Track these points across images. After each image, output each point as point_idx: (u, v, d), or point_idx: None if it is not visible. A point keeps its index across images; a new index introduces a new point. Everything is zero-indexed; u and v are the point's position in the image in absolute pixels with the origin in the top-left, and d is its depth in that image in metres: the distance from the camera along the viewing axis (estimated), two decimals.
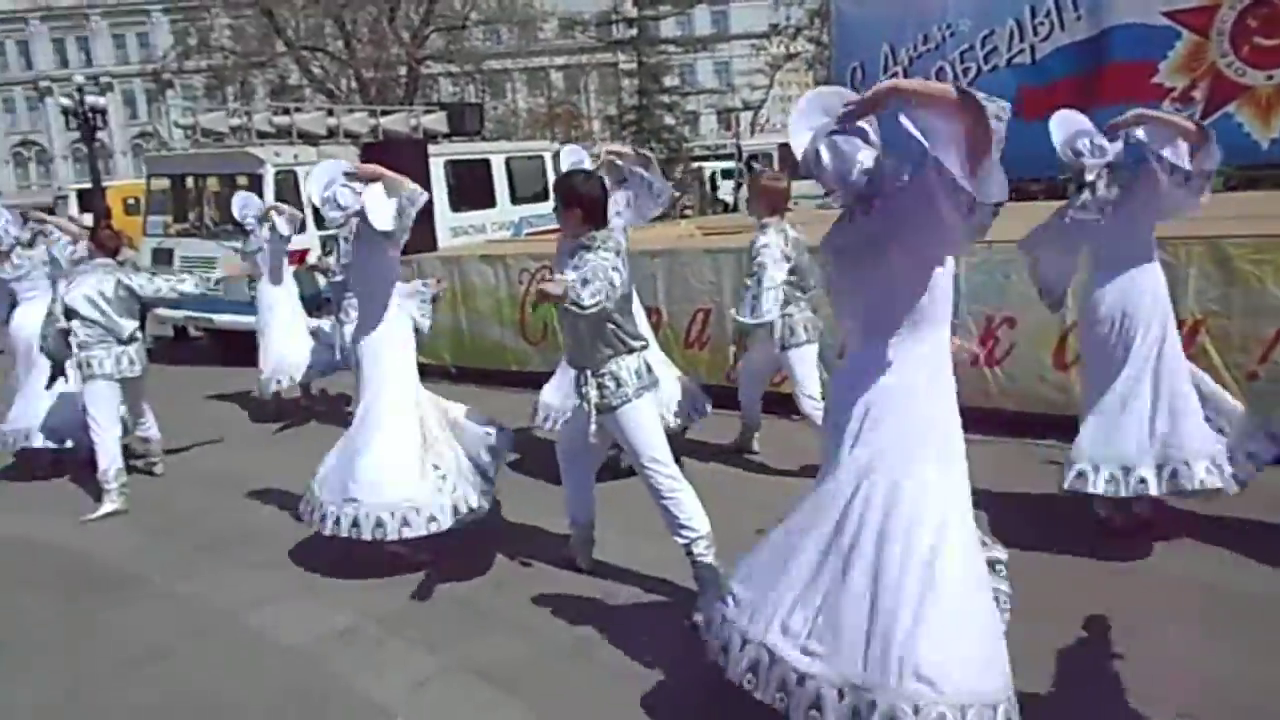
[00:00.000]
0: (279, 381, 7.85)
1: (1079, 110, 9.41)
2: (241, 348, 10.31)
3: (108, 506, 5.80)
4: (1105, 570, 4.08)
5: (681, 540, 3.89)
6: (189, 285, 6.37)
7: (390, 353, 4.65)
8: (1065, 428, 5.30)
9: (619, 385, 3.81)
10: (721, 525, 4.00)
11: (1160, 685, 3.16)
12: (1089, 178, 4.36)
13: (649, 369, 3.95)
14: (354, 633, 3.99)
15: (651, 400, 3.93)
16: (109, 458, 5.87)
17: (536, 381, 7.55)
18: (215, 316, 10.47)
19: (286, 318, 7.96)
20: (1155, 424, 4.17)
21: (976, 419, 5.80)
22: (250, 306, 8.61)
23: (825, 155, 2.75)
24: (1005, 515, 4.43)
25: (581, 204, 3.80)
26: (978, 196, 2.37)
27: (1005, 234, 6.01)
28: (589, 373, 3.84)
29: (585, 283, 3.51)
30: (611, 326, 3.77)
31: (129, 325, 6.01)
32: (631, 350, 3.86)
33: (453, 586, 4.36)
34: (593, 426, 3.85)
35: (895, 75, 10.66)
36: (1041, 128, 9.68)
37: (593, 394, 3.82)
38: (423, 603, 4.22)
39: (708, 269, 7.24)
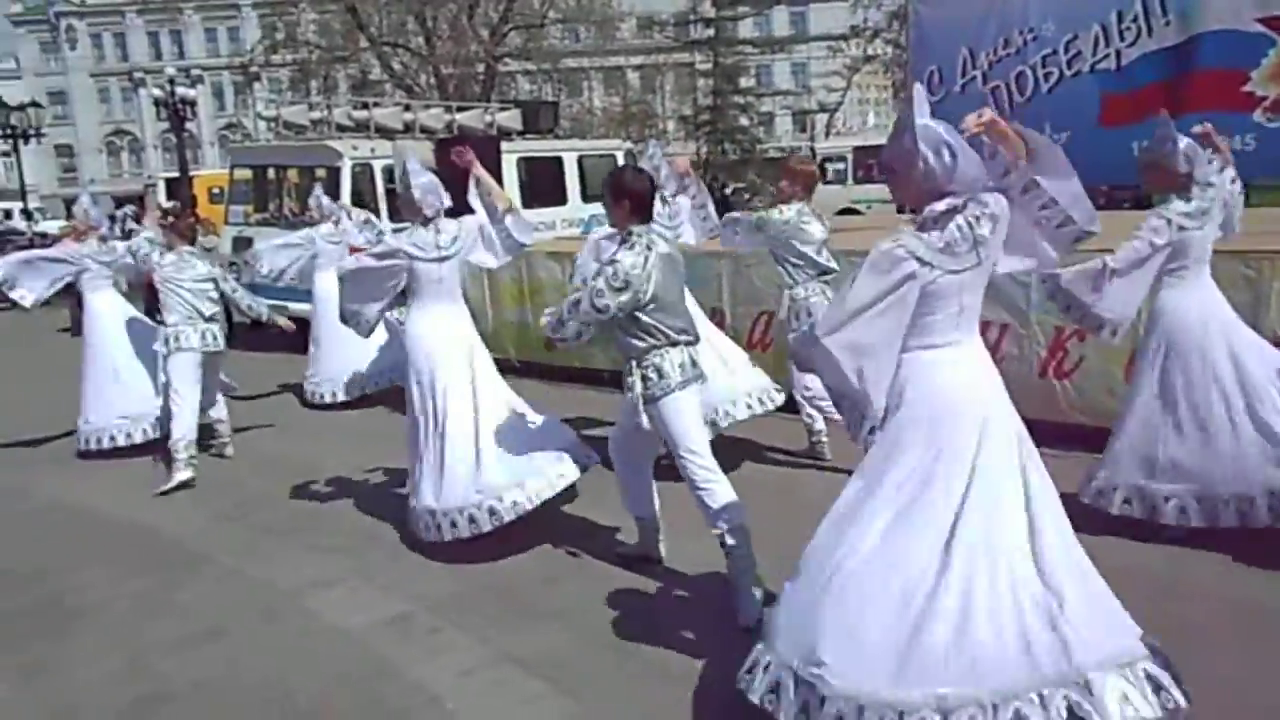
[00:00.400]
0: (329, 394, 8.08)
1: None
2: None
3: (178, 477, 6.04)
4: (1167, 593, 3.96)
5: (716, 531, 3.91)
6: (260, 309, 6.86)
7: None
8: None
9: (661, 376, 3.89)
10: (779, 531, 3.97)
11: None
12: (1201, 182, 4.23)
13: (694, 363, 3.99)
14: (407, 619, 4.05)
15: (694, 392, 3.99)
16: (184, 427, 6.17)
17: (597, 379, 7.64)
18: (292, 305, 10.71)
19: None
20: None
21: (1045, 432, 5.71)
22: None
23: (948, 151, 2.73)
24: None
25: (630, 197, 3.91)
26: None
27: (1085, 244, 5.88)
28: (634, 363, 3.94)
29: (561, 322, 3.90)
30: (648, 320, 3.86)
31: (211, 306, 6.41)
32: (675, 343, 3.94)
33: (505, 577, 4.41)
34: (641, 417, 3.93)
35: (973, 79, 10.50)
36: (1122, 134, 9.46)
37: (637, 385, 3.93)
38: (475, 593, 4.27)
39: (772, 271, 7.18)
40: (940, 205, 2.74)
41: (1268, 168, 8.14)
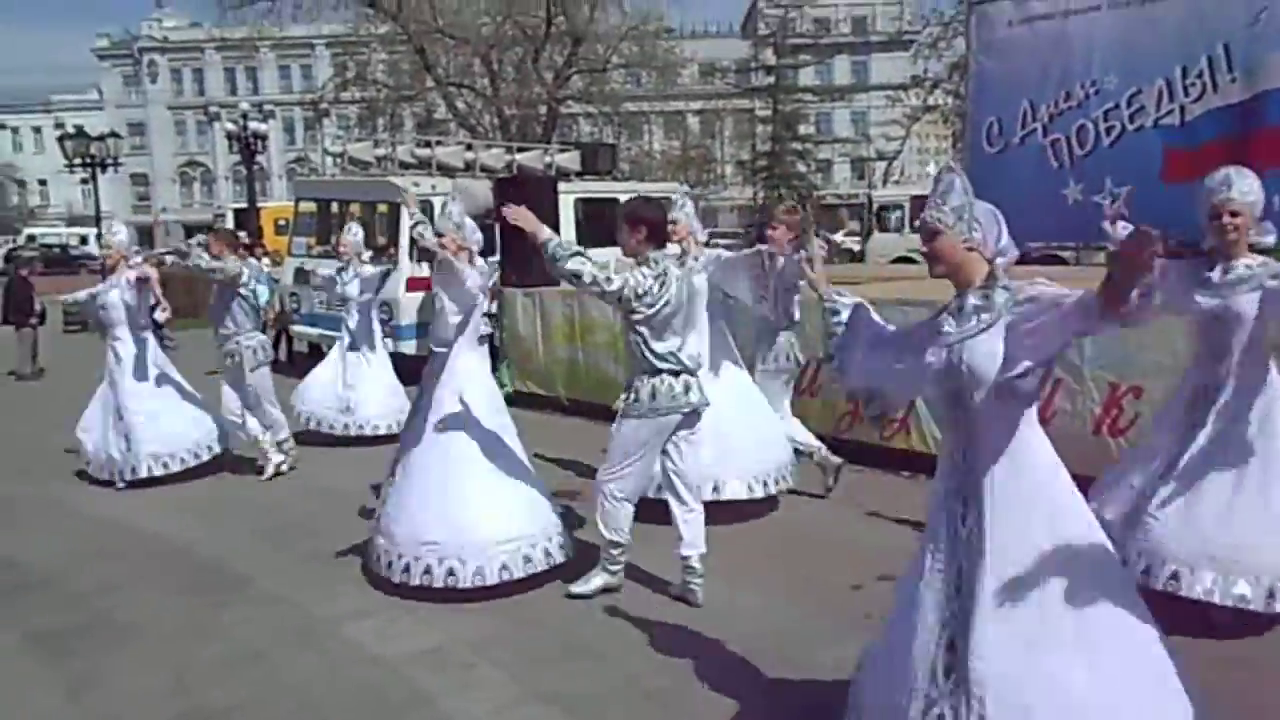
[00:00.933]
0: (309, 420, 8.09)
1: None
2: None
3: (275, 459, 7.03)
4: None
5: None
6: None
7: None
8: None
9: (636, 399, 4.31)
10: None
11: None
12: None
13: (686, 391, 4.33)
14: (444, 652, 4.07)
15: (653, 427, 4.34)
16: (284, 429, 7.15)
17: None
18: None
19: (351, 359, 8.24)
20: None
21: None
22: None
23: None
24: None
25: (645, 223, 4.26)
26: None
27: None
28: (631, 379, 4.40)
29: (601, 268, 4.11)
30: (638, 341, 4.26)
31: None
32: (658, 372, 4.27)
33: (542, 614, 4.42)
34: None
35: (1033, 131, 10.44)
36: (1183, 191, 9.34)
37: (622, 397, 4.43)
38: (512, 629, 4.28)
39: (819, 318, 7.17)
40: None
41: None
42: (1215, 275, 3.93)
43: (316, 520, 5.99)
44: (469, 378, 4.83)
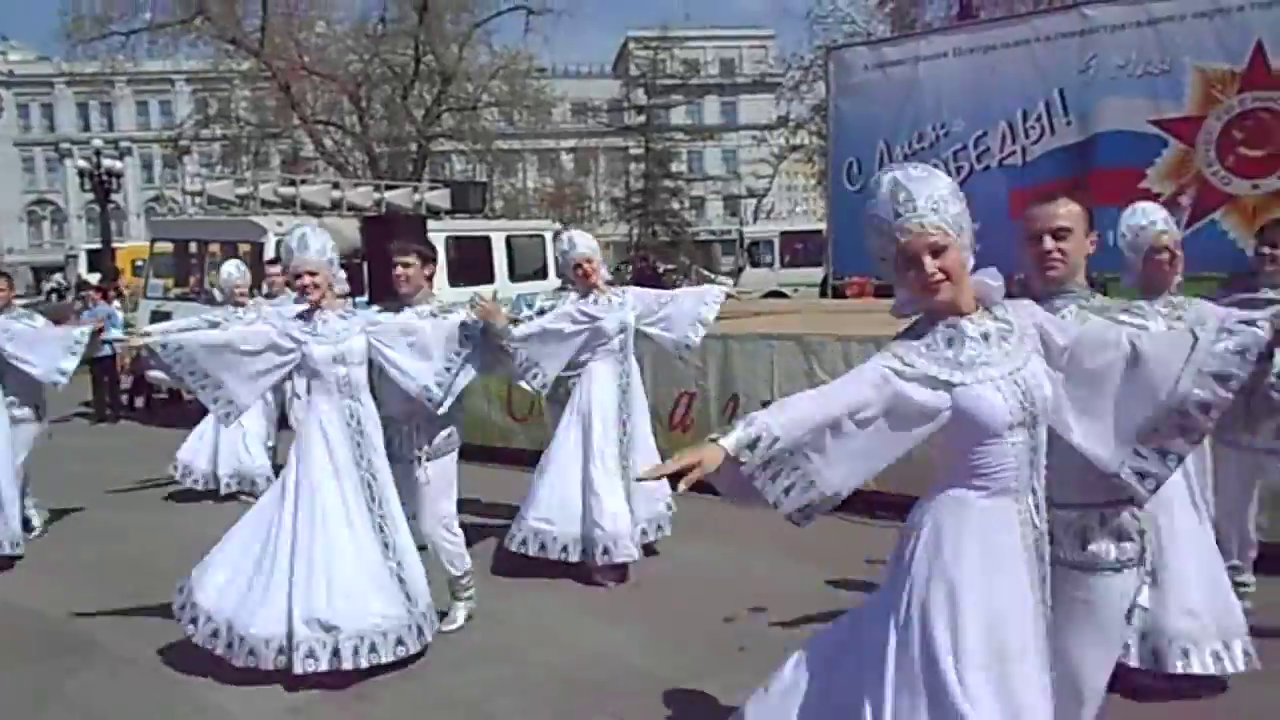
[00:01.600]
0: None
1: None
2: None
3: None
4: None
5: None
6: None
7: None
8: None
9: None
10: None
11: None
12: None
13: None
14: (308, 710, 3.91)
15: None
16: None
17: (520, 459, 7.58)
18: None
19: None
20: None
21: None
22: None
23: None
24: None
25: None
26: None
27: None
28: None
29: None
30: None
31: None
32: None
33: (422, 666, 4.30)
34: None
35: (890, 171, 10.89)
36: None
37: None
38: (382, 683, 4.15)
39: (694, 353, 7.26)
40: None
41: None
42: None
43: (179, 574, 5.69)
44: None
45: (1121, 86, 9.23)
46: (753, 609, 4.75)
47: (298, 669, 3.95)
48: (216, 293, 8.04)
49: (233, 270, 7.95)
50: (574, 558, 5.20)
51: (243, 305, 7.62)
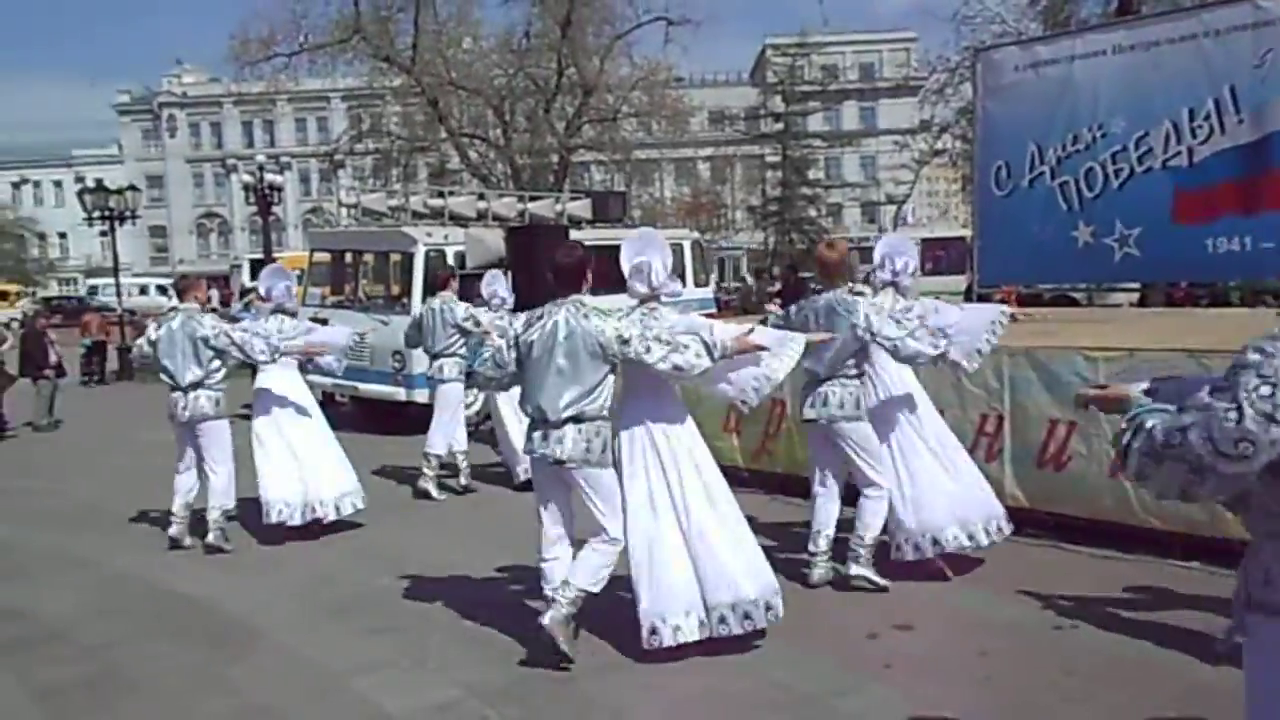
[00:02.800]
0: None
1: (1241, 214, 9.02)
2: (385, 416, 10.80)
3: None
4: None
5: None
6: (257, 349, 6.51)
7: None
8: (1208, 551, 5.01)
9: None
10: None
11: None
12: None
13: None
14: (456, 707, 4.02)
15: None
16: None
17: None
18: (361, 385, 10.97)
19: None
20: None
21: (1115, 535, 5.56)
22: (390, 377, 9.08)
23: None
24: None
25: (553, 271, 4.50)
26: None
27: (1168, 341, 5.76)
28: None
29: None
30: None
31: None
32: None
33: (561, 674, 4.35)
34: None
35: (1041, 174, 10.47)
36: (1195, 232, 9.36)
37: None
38: (529, 682, 4.22)
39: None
40: None
41: None
42: None
43: (330, 573, 5.96)
44: None
45: None
46: (897, 626, 4.63)
47: None
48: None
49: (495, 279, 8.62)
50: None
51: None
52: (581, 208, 13.47)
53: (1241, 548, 2.17)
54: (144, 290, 40.87)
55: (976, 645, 4.31)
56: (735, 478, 5.19)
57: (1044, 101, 10.43)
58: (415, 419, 8.39)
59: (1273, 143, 8.86)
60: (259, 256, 25.74)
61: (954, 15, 24.44)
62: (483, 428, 10.47)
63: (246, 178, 22.71)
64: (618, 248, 13.79)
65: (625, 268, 4.86)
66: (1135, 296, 13.68)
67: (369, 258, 12.88)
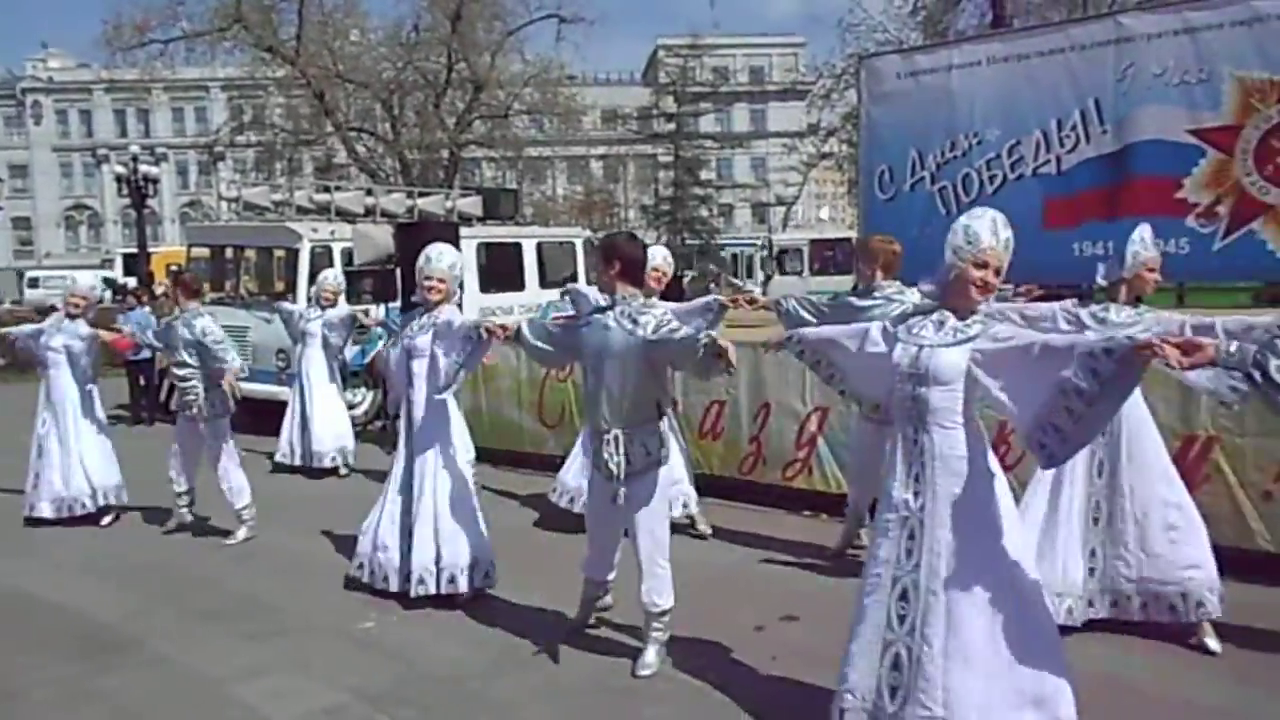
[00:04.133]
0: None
1: (1103, 220, 9.49)
2: (271, 417, 10.49)
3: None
4: None
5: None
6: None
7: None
8: None
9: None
10: None
11: None
12: None
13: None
14: (343, 712, 3.95)
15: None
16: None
17: (552, 464, 7.62)
18: (244, 385, 10.63)
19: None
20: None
21: None
22: (274, 377, 8.91)
23: None
24: None
25: (620, 259, 4.11)
26: None
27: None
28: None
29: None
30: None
31: None
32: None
33: (448, 667, 4.33)
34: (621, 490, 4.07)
35: (922, 179, 10.83)
36: (1063, 236, 9.81)
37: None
38: (415, 683, 4.18)
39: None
40: None
41: (1199, 272, 8.45)
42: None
43: (209, 576, 5.77)
44: None
45: (1158, 95, 9.12)
46: (783, 618, 4.74)
47: None
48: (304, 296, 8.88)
49: (329, 275, 9.10)
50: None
51: (333, 307, 8.80)
52: (472, 204, 13.34)
53: None
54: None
55: None
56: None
57: (924, 109, 10.80)
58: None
59: (1132, 153, 9.37)
60: (132, 251, 24.70)
61: (839, 22, 25.15)
62: (371, 428, 10.31)
63: (119, 169, 21.72)
64: (510, 245, 13.79)
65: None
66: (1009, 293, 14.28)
67: (251, 254, 12.50)
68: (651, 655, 4.16)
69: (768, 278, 23.13)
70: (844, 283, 18.24)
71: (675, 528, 5.43)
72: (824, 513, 6.37)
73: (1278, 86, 8.47)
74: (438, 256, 5.06)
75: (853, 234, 13.47)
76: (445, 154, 26.85)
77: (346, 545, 6.02)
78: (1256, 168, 8.70)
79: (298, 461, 8.58)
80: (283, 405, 10.20)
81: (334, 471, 8.56)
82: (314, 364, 8.75)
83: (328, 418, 8.66)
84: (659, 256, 5.82)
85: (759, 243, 29.74)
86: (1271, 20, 8.45)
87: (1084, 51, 9.63)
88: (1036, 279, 10.68)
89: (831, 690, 3.35)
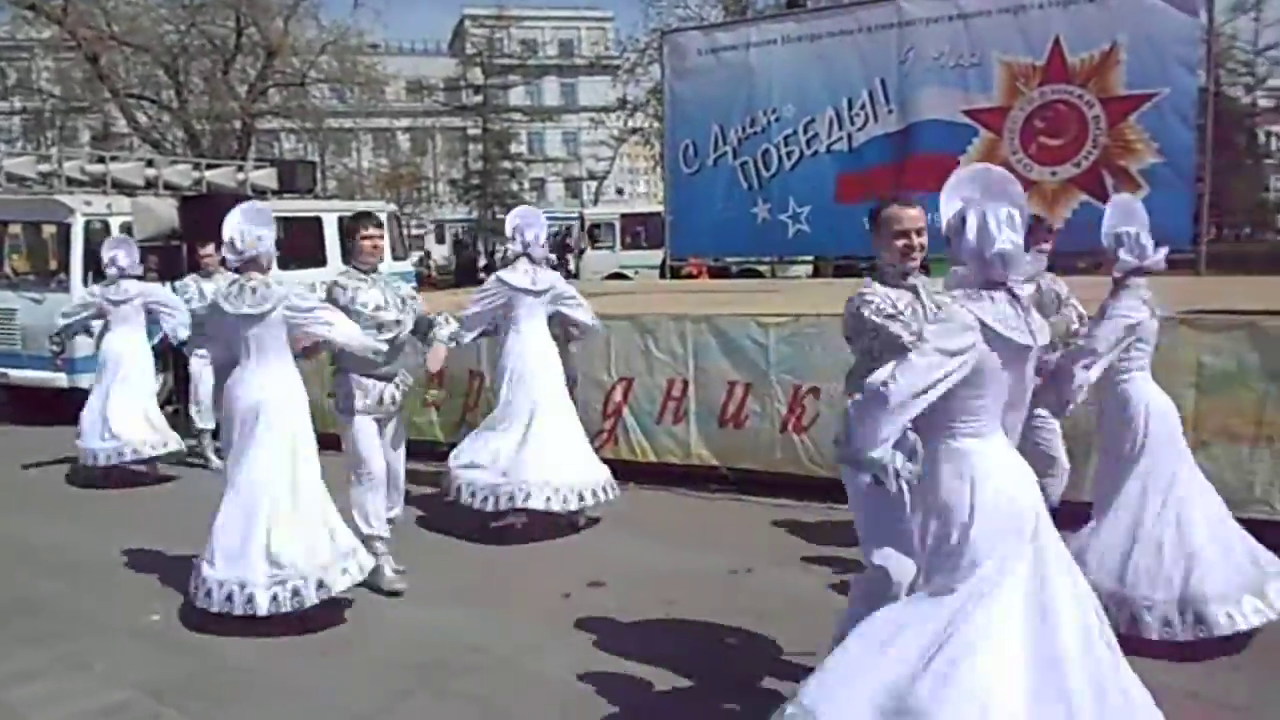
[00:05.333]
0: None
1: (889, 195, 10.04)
2: (44, 405, 9.69)
3: None
4: None
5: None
6: None
7: None
8: None
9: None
10: None
11: None
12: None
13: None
14: (123, 709, 3.72)
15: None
16: None
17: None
18: (13, 372, 9.82)
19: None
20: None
21: (790, 485, 6.09)
22: (48, 362, 8.14)
23: (971, 223, 2.64)
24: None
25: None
26: None
27: (827, 308, 6.36)
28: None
29: None
30: None
31: None
32: None
33: (244, 658, 4.15)
34: None
35: (725, 154, 11.13)
36: (855, 210, 10.38)
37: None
38: (205, 674, 3.99)
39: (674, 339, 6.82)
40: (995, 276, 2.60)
41: None
42: None
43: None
44: None
45: (937, 77, 9.75)
46: (590, 584, 4.81)
47: None
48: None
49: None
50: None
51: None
52: (266, 177, 12.71)
53: None
54: None
55: (664, 596, 4.56)
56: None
57: (725, 85, 11.12)
58: (80, 407, 7.59)
59: (915, 131, 9.98)
60: None
61: None
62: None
63: None
64: (309, 219, 13.23)
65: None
66: (810, 269, 14.95)
67: (16, 229, 11.45)
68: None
69: (580, 251, 23.18)
70: (653, 257, 18.51)
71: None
72: (631, 481, 6.49)
73: (1040, 70, 9.22)
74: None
75: (661, 208, 13.68)
76: (238, 124, 25.36)
77: (137, 537, 5.67)
78: (1022, 147, 9.45)
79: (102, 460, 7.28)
80: (56, 392, 9.47)
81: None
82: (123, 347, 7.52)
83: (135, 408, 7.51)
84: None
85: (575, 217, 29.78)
86: (1033, 9, 9.18)
87: (870, 34, 10.16)
88: (832, 251, 11.26)
89: (636, 655, 3.42)
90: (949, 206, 2.70)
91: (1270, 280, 8.92)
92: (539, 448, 5.37)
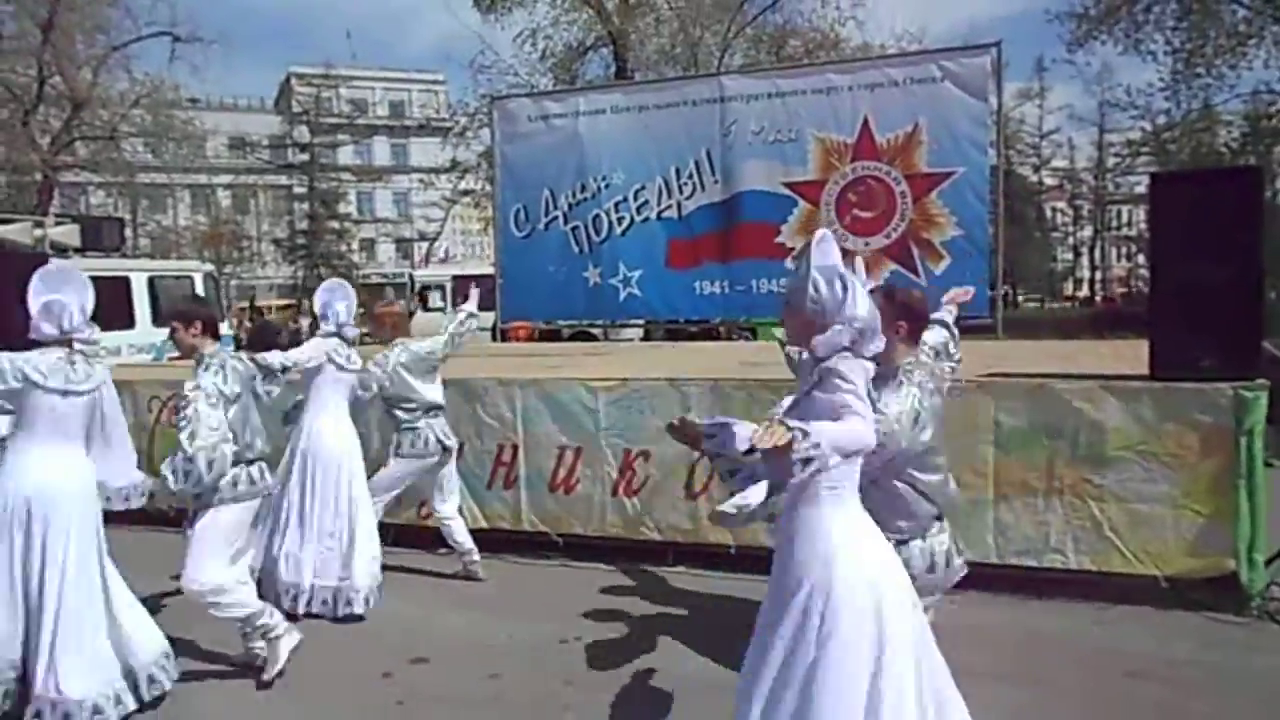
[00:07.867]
0: None
1: (718, 262, 10.32)
2: None
3: None
4: None
5: None
6: None
7: None
8: (694, 556, 5.66)
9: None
10: None
11: None
12: None
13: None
14: None
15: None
16: None
17: (161, 519, 6.91)
18: None
19: None
20: None
21: (622, 549, 6.09)
22: None
23: (823, 287, 2.65)
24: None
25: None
26: None
27: (654, 372, 6.42)
28: None
29: None
30: None
31: None
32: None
33: None
34: None
35: (556, 219, 11.23)
36: (686, 276, 10.59)
37: None
38: None
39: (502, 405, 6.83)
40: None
41: None
42: None
43: None
44: None
45: (757, 150, 10.17)
46: (411, 661, 4.64)
47: None
48: None
49: None
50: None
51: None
52: (67, 234, 11.95)
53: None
54: None
55: (488, 669, 4.45)
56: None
57: (555, 151, 11.22)
58: None
59: (739, 200, 10.34)
60: None
61: (471, 63, 25.58)
62: None
63: None
64: (115, 279, 12.49)
65: (33, 306, 4.00)
66: (641, 332, 15.19)
67: None
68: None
69: (411, 313, 22.76)
70: (486, 319, 18.37)
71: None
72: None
73: (851, 148, 9.76)
74: None
75: (492, 270, 13.59)
76: (39, 177, 23.82)
77: None
78: (838, 218, 9.93)
79: None
80: None
81: None
82: None
83: None
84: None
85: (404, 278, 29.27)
86: (843, 91, 9.74)
87: (695, 107, 10.51)
88: (663, 314, 11.49)
89: None
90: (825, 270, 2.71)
91: (1059, 344, 9.69)
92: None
